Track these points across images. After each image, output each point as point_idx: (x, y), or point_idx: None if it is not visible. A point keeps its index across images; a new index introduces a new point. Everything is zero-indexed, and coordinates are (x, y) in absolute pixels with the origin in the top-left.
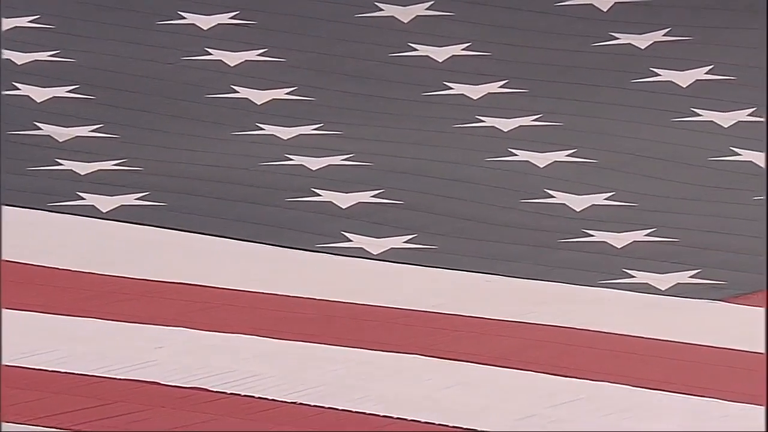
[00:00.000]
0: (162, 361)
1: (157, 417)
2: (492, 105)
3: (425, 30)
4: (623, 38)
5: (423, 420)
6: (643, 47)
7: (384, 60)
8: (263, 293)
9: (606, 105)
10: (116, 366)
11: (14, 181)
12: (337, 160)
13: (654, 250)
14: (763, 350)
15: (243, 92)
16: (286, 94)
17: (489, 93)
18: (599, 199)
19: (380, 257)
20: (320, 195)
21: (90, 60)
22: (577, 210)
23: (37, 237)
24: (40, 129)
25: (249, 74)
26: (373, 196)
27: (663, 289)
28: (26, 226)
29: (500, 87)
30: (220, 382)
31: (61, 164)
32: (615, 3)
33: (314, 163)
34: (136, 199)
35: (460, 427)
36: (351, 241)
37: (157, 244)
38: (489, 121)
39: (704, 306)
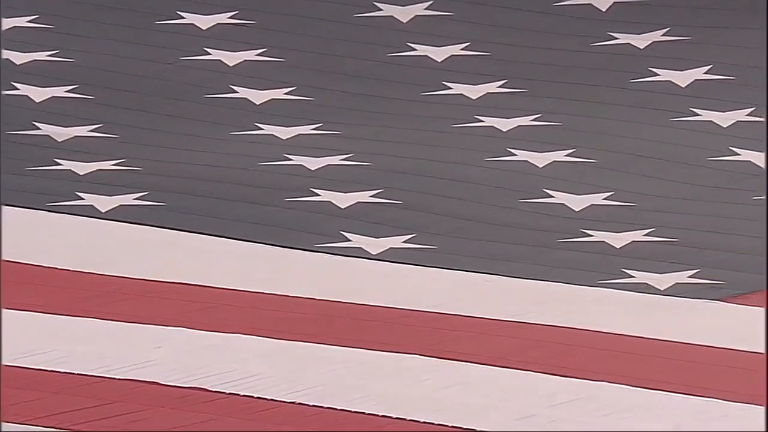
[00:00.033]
0: (161, 361)
1: (156, 417)
2: (491, 105)
3: (424, 30)
4: (622, 38)
5: (422, 420)
6: (642, 47)
7: (383, 60)
8: (262, 293)
9: (605, 105)
10: (115, 366)
11: (13, 181)
12: (336, 160)
13: (653, 250)
14: (762, 350)
15: (242, 92)
16: (285, 94)
17: (488, 93)
18: (598, 199)
19: (379, 257)
20: (319, 195)
21: (89, 60)
22: (577, 210)
23: (37, 237)
24: (39, 129)
25: (248, 74)
26: (372, 196)
27: (662, 288)
28: (26, 226)
29: (499, 87)
30: (219, 382)
31: (60, 164)
32: (614, 3)
33: (313, 163)
34: (135, 199)
35: (460, 427)
36: (350, 241)
37: (156, 244)
38: (488, 121)
39: (703, 306)
